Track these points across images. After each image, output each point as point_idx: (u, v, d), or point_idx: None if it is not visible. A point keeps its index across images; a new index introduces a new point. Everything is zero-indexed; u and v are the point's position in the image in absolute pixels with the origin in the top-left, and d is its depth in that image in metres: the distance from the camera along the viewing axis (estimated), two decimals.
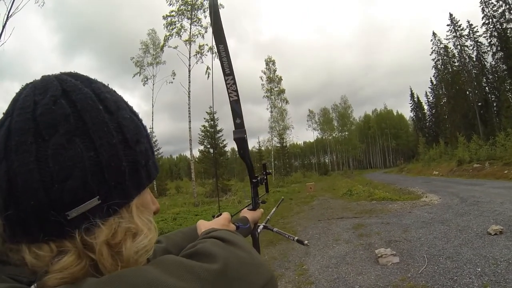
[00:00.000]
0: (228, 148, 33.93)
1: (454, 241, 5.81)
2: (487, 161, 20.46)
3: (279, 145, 45.92)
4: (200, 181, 28.92)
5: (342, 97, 65.53)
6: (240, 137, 1.11)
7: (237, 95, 1.11)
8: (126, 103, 0.56)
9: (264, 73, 39.55)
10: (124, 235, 0.48)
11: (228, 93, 1.11)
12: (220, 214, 0.98)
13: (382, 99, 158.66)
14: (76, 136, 0.45)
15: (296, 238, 1.36)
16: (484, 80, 39.76)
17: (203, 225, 0.88)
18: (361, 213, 10.45)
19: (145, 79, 30.93)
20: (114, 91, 0.57)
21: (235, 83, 1.10)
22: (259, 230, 1.31)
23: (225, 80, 1.09)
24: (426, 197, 12.43)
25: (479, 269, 4.36)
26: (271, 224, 1.44)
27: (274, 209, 1.52)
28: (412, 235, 6.65)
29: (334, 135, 66.60)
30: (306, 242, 1.35)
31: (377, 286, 4.36)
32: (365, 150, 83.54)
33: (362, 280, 4.64)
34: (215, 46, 1.09)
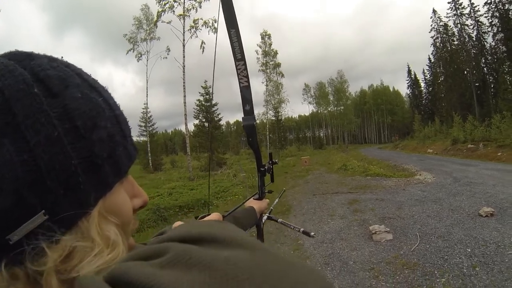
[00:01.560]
0: (223, 122, 34.20)
1: (446, 220, 5.94)
2: (482, 142, 20.57)
3: (274, 118, 46.09)
4: (195, 155, 29.12)
5: (338, 71, 65.43)
6: (250, 124, 1.08)
7: (248, 81, 1.08)
8: (82, 77, 0.43)
9: (260, 46, 38.86)
10: (81, 257, 0.37)
11: (239, 79, 1.07)
12: (208, 214, 0.88)
13: (379, 75, 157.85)
14: (4, 136, 0.34)
15: (302, 229, 1.34)
16: (483, 60, 39.20)
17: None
18: (356, 188, 10.61)
19: (139, 55, 30.33)
20: (67, 65, 0.44)
21: (246, 68, 1.07)
22: (263, 221, 1.30)
23: (236, 66, 1.06)
24: (420, 175, 12.59)
25: (469, 250, 4.49)
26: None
27: (276, 199, 1.51)
28: (406, 213, 6.79)
29: (329, 109, 66.96)
30: (312, 234, 1.33)
31: (371, 262, 4.49)
32: (360, 125, 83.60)
33: (356, 256, 4.77)
34: (226, 31, 1.04)
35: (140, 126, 36.29)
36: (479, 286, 3.49)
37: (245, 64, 1.06)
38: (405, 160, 20.32)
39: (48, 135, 0.36)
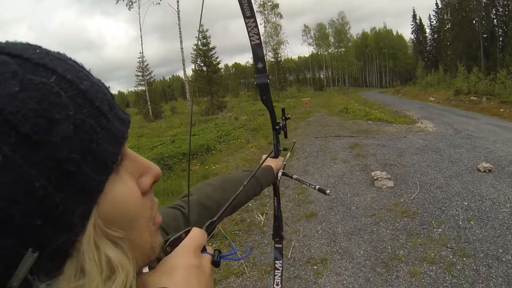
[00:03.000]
0: (221, 65, 33.74)
1: (446, 172, 6.09)
2: (485, 95, 20.12)
3: (273, 60, 45.44)
4: (195, 99, 28.95)
5: (339, 13, 63.21)
6: (263, 82, 1.05)
7: (259, 39, 1.03)
8: (21, 57, 0.32)
9: None
10: None
11: (250, 37, 1.02)
12: (189, 230, 0.51)
13: (382, 18, 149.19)
14: None
15: (317, 186, 1.31)
16: (493, 11, 36.86)
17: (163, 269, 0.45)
18: (357, 132, 10.70)
19: (130, 3, 28.58)
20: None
21: (256, 26, 1.01)
22: (279, 178, 1.29)
23: (246, 23, 1.00)
24: (421, 123, 12.62)
25: (466, 203, 4.67)
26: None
27: (288, 153, 1.49)
28: (407, 161, 6.93)
29: (330, 51, 65.49)
30: (328, 191, 1.31)
31: (372, 208, 4.70)
32: (361, 68, 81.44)
33: (359, 201, 4.98)
34: None
35: (137, 75, 36.05)
36: (473, 240, 3.70)
37: (255, 21, 1.01)
38: (407, 107, 20.20)
39: None
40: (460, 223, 4.11)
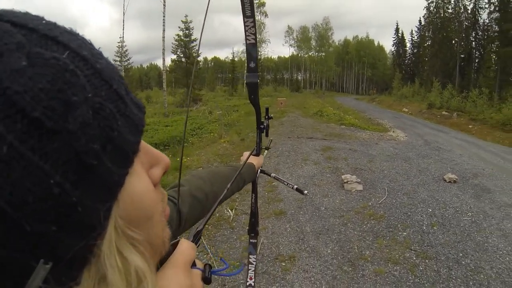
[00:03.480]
0: (201, 58, 33.88)
1: (413, 180, 6.43)
2: (456, 111, 21.65)
3: None
4: (170, 90, 28.82)
5: (324, 18, 65.49)
6: (253, 82, 1.10)
7: (255, 39, 1.08)
8: (26, 26, 0.27)
9: None
10: None
11: (246, 36, 1.07)
12: (176, 243, 0.48)
13: (366, 28, 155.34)
14: None
15: (295, 186, 1.39)
16: (473, 34, 39.70)
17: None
18: (330, 135, 10.99)
19: None
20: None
21: (254, 26, 1.06)
22: (257, 175, 1.35)
23: (244, 22, 1.05)
24: (393, 132, 13.19)
25: (430, 210, 4.97)
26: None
27: (265, 151, 1.57)
28: (377, 166, 7.24)
29: (310, 54, 67.18)
30: (306, 192, 1.39)
31: (341, 209, 4.88)
32: (339, 74, 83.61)
33: (328, 202, 5.15)
34: None
35: (115, 60, 35.38)
36: (435, 244, 3.96)
37: (254, 21, 1.05)
38: (380, 115, 21.01)
39: None
40: (424, 228, 4.38)
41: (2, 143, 0.22)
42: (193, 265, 0.46)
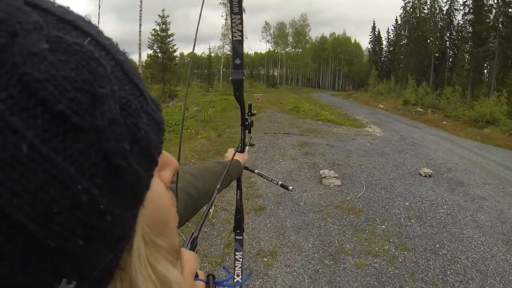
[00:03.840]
0: (177, 53, 33.54)
1: (390, 174, 6.64)
2: (431, 108, 22.64)
3: (230, 53, 45.75)
4: (146, 85, 28.22)
5: (302, 15, 66.36)
6: (238, 78, 1.12)
7: (242, 36, 1.11)
8: (40, 6, 0.23)
9: None
10: None
11: (232, 32, 1.09)
12: None
13: (343, 25, 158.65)
14: None
15: (280, 182, 1.41)
16: (448, 34, 42.07)
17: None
18: (307, 131, 11.15)
19: None
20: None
21: (242, 23, 1.08)
22: (241, 172, 1.37)
23: (232, 19, 1.06)
24: (369, 127, 13.54)
25: (407, 203, 5.16)
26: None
27: (247, 147, 1.59)
28: (354, 161, 7.43)
29: (287, 50, 67.93)
30: (290, 187, 1.41)
31: (320, 204, 4.98)
32: (316, 70, 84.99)
33: (307, 197, 5.23)
34: None
35: None
36: (413, 236, 4.13)
37: (241, 18, 1.07)
38: (357, 111, 21.49)
39: (10, 156, 0.18)
40: (402, 221, 4.55)
41: (21, 142, 0.19)
42: (196, 276, 0.45)
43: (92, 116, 0.22)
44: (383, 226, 4.37)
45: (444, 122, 17.75)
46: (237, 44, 1.10)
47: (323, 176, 6.05)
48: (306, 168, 6.75)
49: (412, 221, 4.56)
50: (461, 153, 9.31)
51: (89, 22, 0.27)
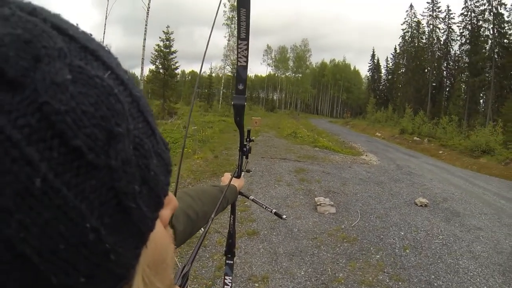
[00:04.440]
0: (178, 71, 33.94)
1: (385, 203, 6.63)
2: (427, 137, 23.01)
3: (230, 74, 46.56)
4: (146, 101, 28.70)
5: (303, 40, 68.01)
6: (240, 104, 1.14)
7: (246, 62, 1.12)
8: (66, 32, 0.23)
9: (229, 0, 37.94)
10: None
11: (238, 58, 1.11)
12: None
13: (342, 52, 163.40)
14: None
15: (274, 210, 1.42)
16: (445, 64, 43.55)
17: None
18: (304, 157, 11.16)
19: None
20: (33, 9, 0.22)
21: (247, 49, 1.09)
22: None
23: (238, 45, 1.09)
24: (366, 155, 13.58)
25: (402, 233, 5.13)
26: None
27: (243, 173, 1.60)
28: (350, 190, 7.41)
29: (287, 74, 69.10)
30: (284, 216, 1.43)
31: (314, 232, 4.94)
32: (315, 96, 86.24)
33: (301, 224, 5.20)
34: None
35: None
36: (408, 266, 4.08)
37: (248, 44, 1.08)
38: (354, 139, 21.65)
39: (22, 188, 0.18)
40: (397, 250, 4.51)
41: (35, 175, 0.18)
42: None
43: (107, 155, 0.21)
44: (378, 256, 4.32)
45: (441, 152, 17.92)
46: (241, 70, 1.12)
47: (318, 203, 6.03)
48: (301, 194, 6.74)
49: (407, 251, 4.52)
50: (457, 183, 9.34)
51: (109, 52, 0.27)
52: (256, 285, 3.50)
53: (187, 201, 0.89)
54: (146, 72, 31.84)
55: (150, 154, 0.26)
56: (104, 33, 31.62)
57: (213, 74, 54.54)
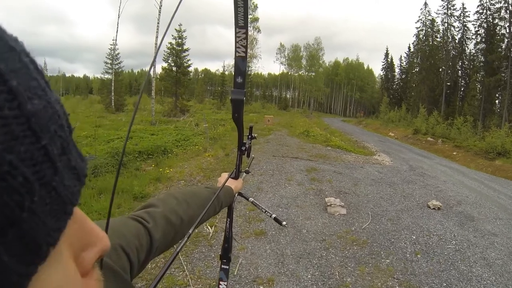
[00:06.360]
0: (191, 68, 34.22)
1: (397, 205, 6.45)
2: (441, 138, 22.38)
3: None
4: (159, 98, 29.17)
5: (316, 38, 67.50)
6: (238, 99, 1.03)
7: (245, 52, 1.00)
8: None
9: None
10: None
11: (236, 48, 0.99)
12: None
13: (356, 51, 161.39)
14: None
15: (274, 215, 1.33)
16: (460, 63, 42.16)
17: None
18: (316, 156, 11.02)
19: None
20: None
21: (246, 38, 0.98)
22: (235, 199, 1.30)
23: (236, 33, 0.97)
24: (379, 156, 13.32)
25: (414, 237, 4.96)
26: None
27: (244, 175, 1.51)
28: (361, 190, 7.25)
29: (300, 73, 68.72)
30: (284, 223, 1.34)
31: (323, 233, 4.81)
32: (328, 95, 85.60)
33: (310, 225, 5.08)
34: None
35: (106, 63, 35.50)
36: (419, 272, 3.92)
37: (246, 32, 0.97)
38: (367, 138, 21.33)
39: None
40: (408, 255, 4.35)
41: None
42: None
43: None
44: (388, 260, 4.17)
45: (455, 153, 17.45)
46: (240, 61, 1.01)
47: (328, 204, 5.90)
48: (311, 194, 6.61)
49: (419, 256, 4.35)
50: (472, 185, 9.04)
51: (14, 53, 0.20)
52: (261, 287, 3.40)
53: (171, 204, 0.83)
54: (159, 69, 32.11)
55: (30, 187, 0.19)
56: (117, 31, 31.97)
57: (226, 72, 54.88)
